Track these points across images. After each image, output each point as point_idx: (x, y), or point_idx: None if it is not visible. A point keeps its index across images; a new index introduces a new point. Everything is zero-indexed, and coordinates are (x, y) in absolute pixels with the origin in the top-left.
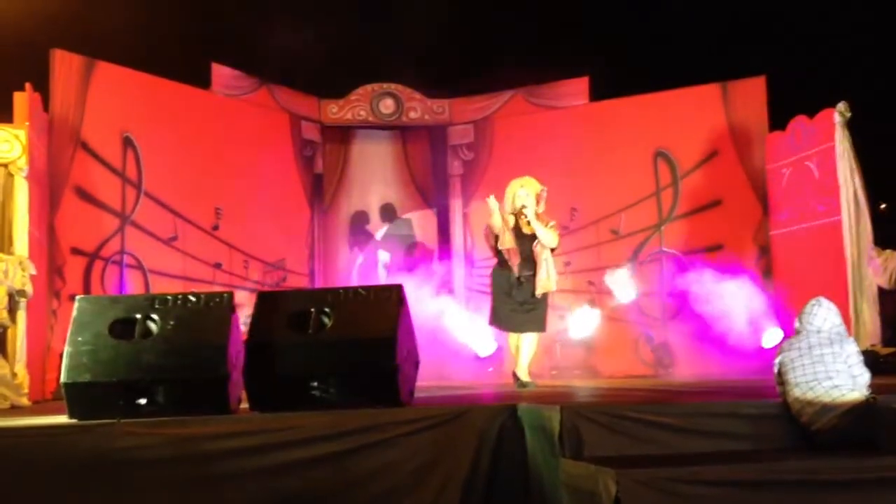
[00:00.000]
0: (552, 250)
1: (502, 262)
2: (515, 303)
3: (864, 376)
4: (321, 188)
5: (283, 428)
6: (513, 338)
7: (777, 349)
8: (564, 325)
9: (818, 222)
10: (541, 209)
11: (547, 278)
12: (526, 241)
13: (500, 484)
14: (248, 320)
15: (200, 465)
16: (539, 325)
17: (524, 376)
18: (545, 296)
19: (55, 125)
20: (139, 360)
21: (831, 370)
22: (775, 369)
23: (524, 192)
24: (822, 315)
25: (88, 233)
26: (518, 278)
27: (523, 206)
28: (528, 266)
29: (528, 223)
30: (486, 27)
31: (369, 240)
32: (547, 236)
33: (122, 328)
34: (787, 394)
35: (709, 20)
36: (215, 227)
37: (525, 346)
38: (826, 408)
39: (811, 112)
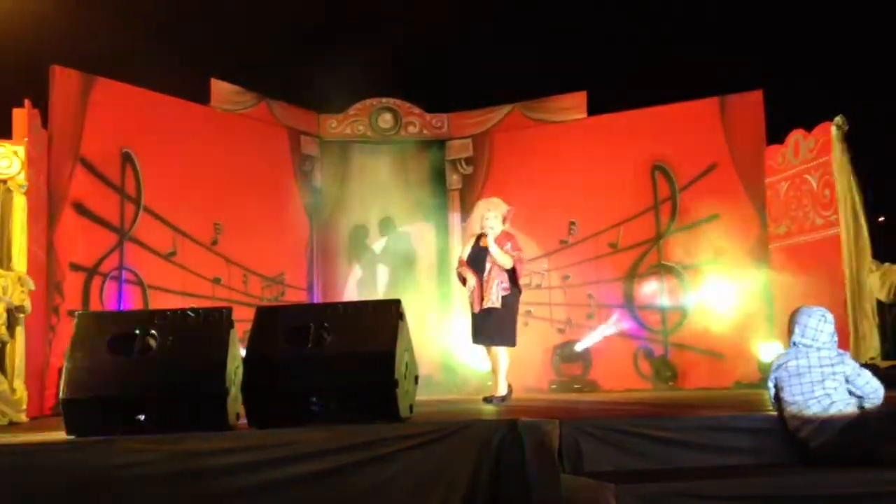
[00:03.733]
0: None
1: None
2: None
3: (875, 387)
4: (320, 203)
5: (283, 443)
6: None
7: (773, 365)
8: (564, 338)
9: (817, 235)
10: (506, 227)
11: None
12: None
13: (500, 499)
14: (247, 335)
15: (199, 482)
16: None
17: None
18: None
19: (54, 141)
20: (138, 376)
21: (829, 388)
22: (770, 384)
23: (492, 214)
24: (829, 331)
25: (87, 248)
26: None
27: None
28: None
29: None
30: (485, 42)
31: (369, 254)
32: (501, 258)
33: (122, 344)
34: (783, 410)
35: (706, 35)
36: (214, 242)
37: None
38: (823, 425)
39: (809, 125)
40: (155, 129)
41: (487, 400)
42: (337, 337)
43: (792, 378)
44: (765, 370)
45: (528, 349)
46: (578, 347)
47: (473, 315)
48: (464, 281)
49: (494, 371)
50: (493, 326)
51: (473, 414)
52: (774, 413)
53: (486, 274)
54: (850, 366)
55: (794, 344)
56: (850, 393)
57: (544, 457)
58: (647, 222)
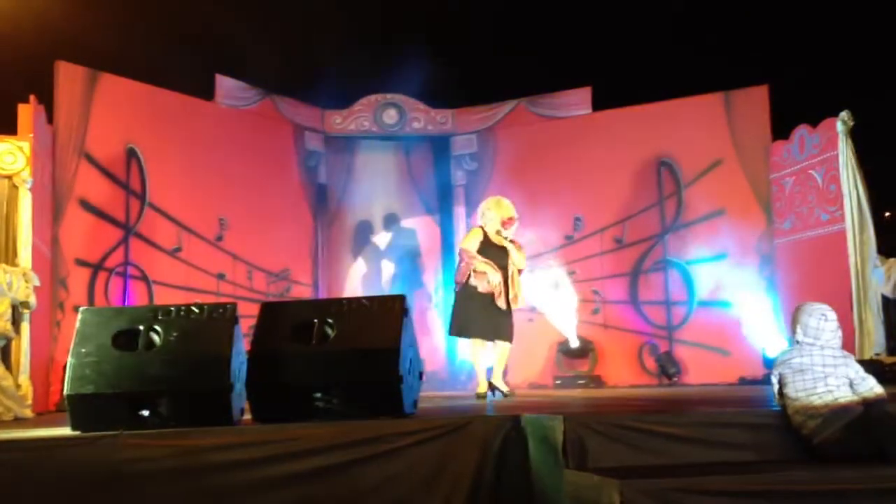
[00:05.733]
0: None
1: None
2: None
3: (877, 394)
4: (325, 198)
5: (287, 439)
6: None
7: (776, 361)
8: (567, 334)
9: (822, 231)
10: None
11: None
12: (500, 254)
13: (504, 495)
14: (252, 331)
15: (203, 477)
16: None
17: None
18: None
19: (59, 137)
20: (142, 371)
21: (832, 384)
22: (774, 380)
23: (515, 226)
24: (830, 329)
25: (92, 244)
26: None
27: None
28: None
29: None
30: (489, 37)
31: (373, 250)
32: (523, 264)
33: (126, 339)
34: (786, 406)
35: (711, 30)
36: (219, 238)
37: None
38: (827, 420)
39: (814, 121)
40: (160, 125)
41: (501, 393)
42: (341, 332)
43: (795, 374)
44: (770, 366)
45: (532, 345)
46: (573, 344)
47: (491, 309)
48: (469, 272)
49: (500, 365)
50: (507, 323)
51: (477, 410)
52: (778, 409)
53: (508, 273)
54: (854, 369)
55: (797, 342)
56: (854, 392)
57: (548, 453)
58: (653, 218)
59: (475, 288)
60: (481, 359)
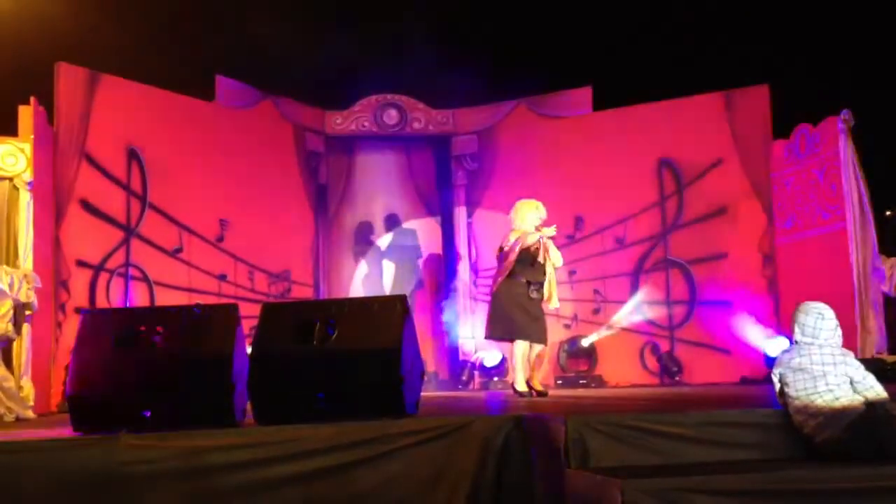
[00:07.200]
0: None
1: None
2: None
3: (877, 392)
4: (325, 199)
5: (288, 440)
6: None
7: (776, 361)
8: (570, 334)
9: (823, 230)
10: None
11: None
12: (534, 257)
13: (506, 494)
14: (253, 332)
15: (205, 478)
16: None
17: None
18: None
19: (60, 138)
20: (144, 372)
21: (832, 383)
22: (775, 379)
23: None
24: (829, 328)
25: (93, 245)
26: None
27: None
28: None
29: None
30: (490, 37)
31: (374, 250)
32: (558, 256)
33: (127, 341)
34: (787, 406)
35: (712, 29)
36: (220, 239)
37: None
38: (828, 420)
39: (815, 120)
40: (160, 126)
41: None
42: (343, 333)
43: (795, 374)
44: (771, 366)
45: None
46: (585, 343)
47: (531, 310)
48: (512, 265)
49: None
50: (543, 324)
51: (479, 410)
52: (780, 408)
53: (545, 272)
54: (854, 366)
55: (797, 342)
56: (855, 390)
57: (550, 453)
58: (654, 217)
59: (517, 286)
60: (525, 358)
